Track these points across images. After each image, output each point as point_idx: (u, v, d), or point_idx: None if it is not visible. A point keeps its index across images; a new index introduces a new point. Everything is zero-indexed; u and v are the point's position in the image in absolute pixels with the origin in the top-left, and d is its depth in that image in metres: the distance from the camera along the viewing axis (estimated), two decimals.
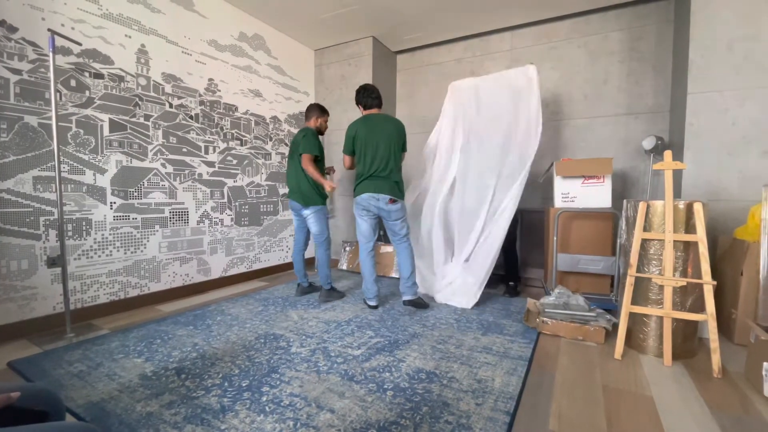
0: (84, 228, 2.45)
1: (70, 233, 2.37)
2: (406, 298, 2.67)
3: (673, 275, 1.91)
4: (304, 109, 4.31)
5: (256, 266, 3.77)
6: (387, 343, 2.11)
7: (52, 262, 2.25)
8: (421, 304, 2.67)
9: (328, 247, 2.95)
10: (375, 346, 2.07)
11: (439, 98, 4.29)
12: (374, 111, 2.73)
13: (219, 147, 3.33)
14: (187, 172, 3.06)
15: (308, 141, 2.76)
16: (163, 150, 2.88)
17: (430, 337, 2.20)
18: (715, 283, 1.84)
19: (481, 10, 3.48)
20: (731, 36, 2.46)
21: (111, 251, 2.59)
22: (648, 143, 2.94)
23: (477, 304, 2.78)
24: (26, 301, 2.21)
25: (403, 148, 2.74)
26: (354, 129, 2.66)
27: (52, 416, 0.85)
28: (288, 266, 4.13)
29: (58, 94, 2.25)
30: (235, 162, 3.48)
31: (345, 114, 4.20)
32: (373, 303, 2.71)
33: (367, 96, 2.71)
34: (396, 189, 2.61)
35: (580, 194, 2.83)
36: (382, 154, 2.58)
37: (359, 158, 2.65)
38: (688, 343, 1.98)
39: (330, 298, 2.91)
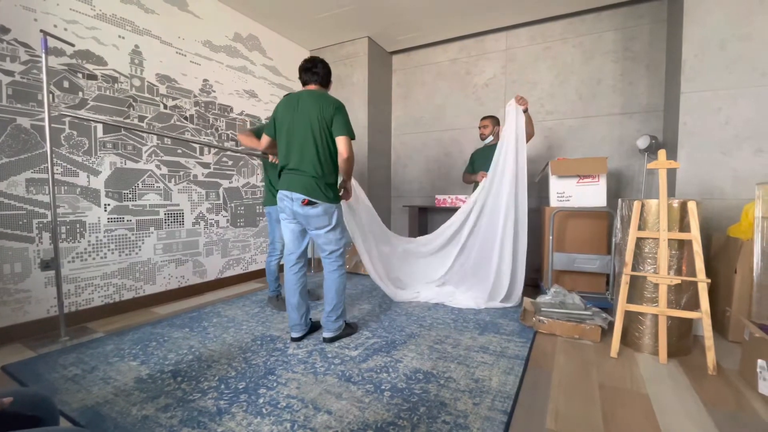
0: (78, 230, 2.43)
1: (63, 236, 2.35)
2: (325, 335, 2.13)
3: (668, 273, 1.92)
4: None
5: (252, 268, 3.75)
6: (384, 343, 2.11)
7: (45, 265, 2.23)
8: (346, 335, 2.21)
9: (271, 253, 2.75)
10: (372, 346, 2.07)
11: (434, 98, 4.32)
12: (311, 88, 2.11)
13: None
14: (182, 173, 3.04)
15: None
16: (158, 151, 2.86)
17: (427, 337, 2.20)
18: (709, 281, 1.85)
19: (475, 11, 3.49)
20: (724, 35, 2.47)
21: (105, 254, 2.57)
22: (642, 142, 2.96)
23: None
24: (20, 305, 2.19)
25: (342, 132, 2.00)
26: (276, 108, 2.13)
27: (45, 421, 0.84)
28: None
29: (50, 95, 2.23)
30: (230, 163, 3.47)
31: None
32: (293, 334, 2.13)
33: (305, 70, 2.10)
34: (314, 187, 1.98)
35: (575, 193, 2.84)
36: (299, 140, 1.98)
37: (278, 146, 2.12)
38: (683, 340, 2.00)
39: (271, 304, 2.78)
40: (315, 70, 2.09)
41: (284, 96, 2.13)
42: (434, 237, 3.10)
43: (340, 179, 2.18)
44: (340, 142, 2.01)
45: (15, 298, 2.17)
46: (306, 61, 2.11)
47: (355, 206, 2.80)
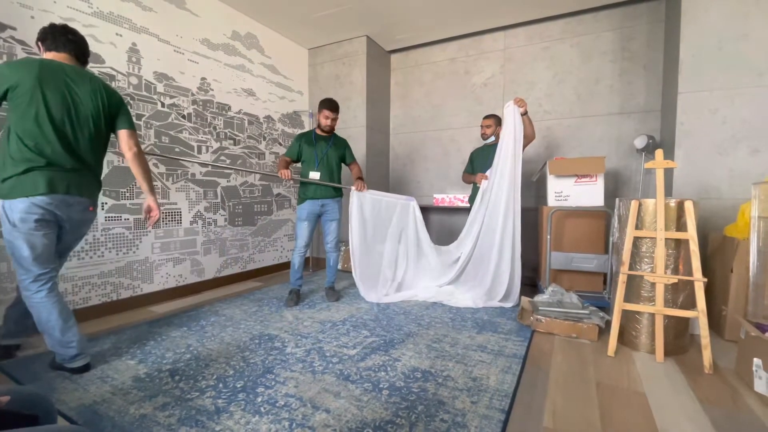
0: None
1: None
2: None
3: (665, 273, 1.93)
4: (298, 108, 4.31)
5: (250, 266, 3.75)
6: (382, 342, 2.12)
7: None
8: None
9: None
10: (370, 345, 2.07)
11: (432, 98, 4.32)
12: (63, 56, 1.69)
13: (212, 146, 3.31)
14: (179, 171, 3.03)
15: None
16: (156, 150, 2.85)
17: (425, 336, 2.20)
18: (705, 280, 1.86)
19: (474, 10, 3.49)
20: (721, 36, 2.49)
21: (103, 252, 2.56)
22: (639, 142, 2.97)
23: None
24: None
25: (129, 125, 1.83)
26: (18, 70, 1.54)
27: (42, 420, 0.84)
28: (282, 266, 4.12)
29: None
30: (228, 162, 3.46)
31: (340, 115, 4.19)
32: (75, 363, 1.72)
33: (60, 33, 1.68)
34: (96, 190, 1.81)
35: (573, 193, 2.85)
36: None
37: (18, 120, 1.55)
38: (679, 339, 2.01)
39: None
40: (72, 38, 1.75)
41: (32, 60, 1.62)
42: (458, 249, 3.12)
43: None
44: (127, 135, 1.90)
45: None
46: (59, 26, 1.73)
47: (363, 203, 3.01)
